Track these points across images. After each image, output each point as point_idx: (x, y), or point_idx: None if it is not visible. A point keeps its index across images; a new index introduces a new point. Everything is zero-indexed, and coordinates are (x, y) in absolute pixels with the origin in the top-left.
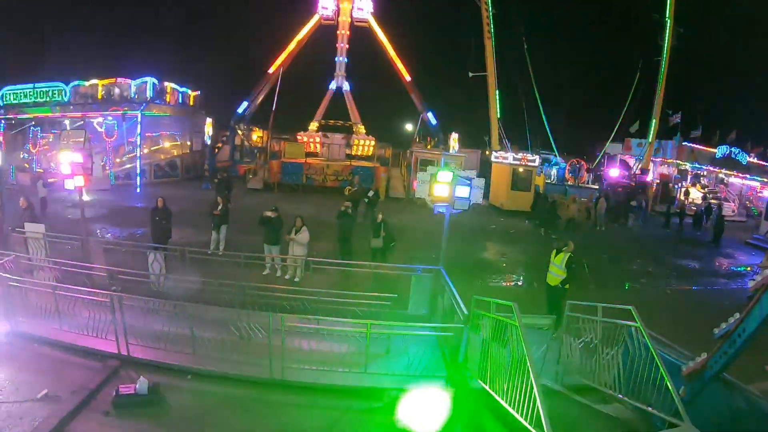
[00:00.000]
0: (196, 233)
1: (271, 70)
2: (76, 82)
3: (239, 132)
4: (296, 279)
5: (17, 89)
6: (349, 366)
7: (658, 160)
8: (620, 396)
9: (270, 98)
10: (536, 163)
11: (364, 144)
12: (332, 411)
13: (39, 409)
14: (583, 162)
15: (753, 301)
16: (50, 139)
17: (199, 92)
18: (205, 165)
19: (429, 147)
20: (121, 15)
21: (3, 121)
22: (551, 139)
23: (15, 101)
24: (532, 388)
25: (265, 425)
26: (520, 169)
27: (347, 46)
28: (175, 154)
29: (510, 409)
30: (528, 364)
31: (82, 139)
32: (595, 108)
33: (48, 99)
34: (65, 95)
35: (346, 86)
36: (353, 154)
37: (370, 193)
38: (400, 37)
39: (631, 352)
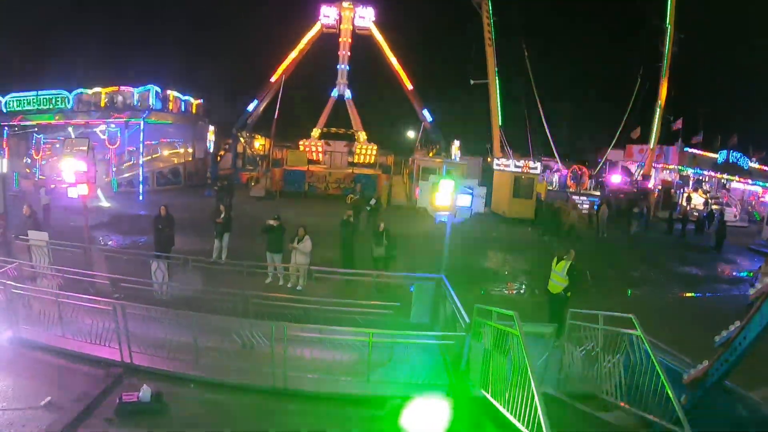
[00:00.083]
0: (199, 241)
1: (273, 78)
2: (79, 90)
3: (242, 140)
4: (299, 287)
5: (20, 96)
6: (352, 374)
7: (660, 166)
8: (622, 404)
9: (272, 106)
10: (538, 171)
11: (366, 151)
12: (335, 419)
13: (42, 417)
14: (584, 168)
15: (753, 309)
16: (56, 146)
17: (201, 100)
18: (207, 173)
19: (431, 154)
20: (125, 23)
21: (6, 128)
22: (553, 145)
23: (18, 108)
24: (533, 396)
25: None
26: (522, 177)
27: (349, 54)
28: (176, 162)
29: (511, 418)
30: (529, 373)
31: (85, 148)
32: (596, 114)
33: (51, 106)
34: (68, 103)
35: (348, 94)
36: (355, 161)
37: (372, 201)
38: (402, 45)
39: (632, 360)
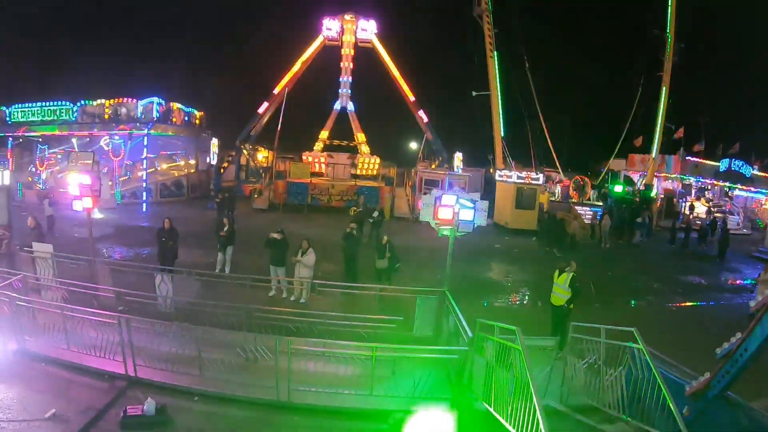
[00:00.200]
0: (203, 254)
1: (276, 91)
2: (83, 102)
3: (245, 152)
4: (302, 300)
5: (25, 107)
6: (355, 388)
7: (662, 175)
8: (624, 416)
9: (275, 118)
10: (540, 181)
11: (369, 163)
12: None
13: (47, 429)
14: (587, 179)
15: (754, 320)
16: (58, 156)
17: (204, 112)
18: (211, 185)
19: (433, 166)
20: (130, 37)
21: (11, 139)
22: (555, 156)
23: (23, 119)
24: (535, 411)
25: None
26: (525, 188)
27: (351, 66)
28: (177, 174)
29: None
30: (531, 388)
31: (90, 161)
32: (598, 124)
33: (55, 117)
34: (72, 114)
35: (350, 106)
36: (358, 173)
37: (375, 214)
38: (404, 57)
39: (634, 373)
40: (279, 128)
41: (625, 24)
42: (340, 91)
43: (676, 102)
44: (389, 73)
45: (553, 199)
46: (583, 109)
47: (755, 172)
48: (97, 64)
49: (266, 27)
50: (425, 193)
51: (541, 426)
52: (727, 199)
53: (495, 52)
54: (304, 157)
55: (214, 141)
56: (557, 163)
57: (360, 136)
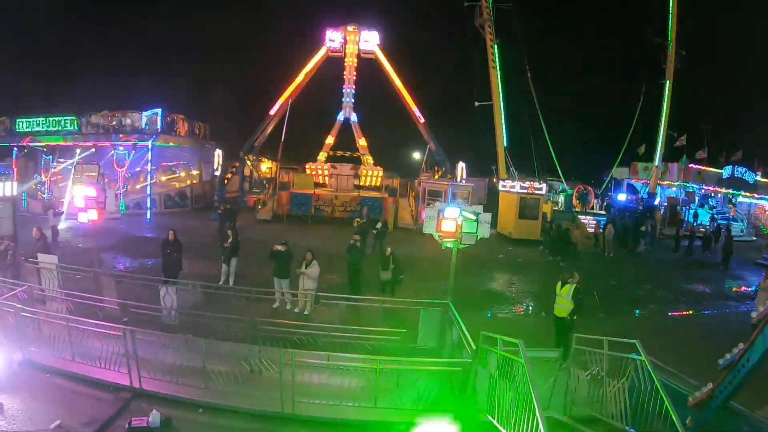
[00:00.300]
0: (207, 265)
1: (279, 102)
2: (88, 113)
3: (248, 163)
4: (306, 312)
5: (30, 118)
6: (359, 400)
7: (665, 182)
8: (627, 428)
9: (279, 129)
10: (543, 191)
11: (372, 174)
12: None
13: None
14: (590, 188)
15: (756, 331)
16: (63, 166)
17: (208, 124)
18: (214, 196)
19: (437, 177)
20: (135, 48)
21: (16, 149)
22: (557, 165)
23: (28, 129)
24: (538, 423)
25: None
26: (528, 198)
27: (355, 77)
28: (178, 186)
29: None
30: (534, 400)
31: (95, 174)
32: (601, 133)
33: (60, 128)
34: (77, 125)
35: (353, 117)
36: (361, 184)
37: (379, 225)
38: (407, 68)
39: (637, 384)
40: (282, 139)
41: (627, 33)
42: (343, 101)
43: (678, 110)
44: (392, 83)
45: (556, 208)
46: (586, 118)
47: (758, 178)
48: (102, 77)
49: (270, 38)
50: (428, 204)
51: None
52: (731, 206)
53: (497, 62)
54: (307, 168)
55: (218, 152)
56: (560, 172)
57: (362, 141)
